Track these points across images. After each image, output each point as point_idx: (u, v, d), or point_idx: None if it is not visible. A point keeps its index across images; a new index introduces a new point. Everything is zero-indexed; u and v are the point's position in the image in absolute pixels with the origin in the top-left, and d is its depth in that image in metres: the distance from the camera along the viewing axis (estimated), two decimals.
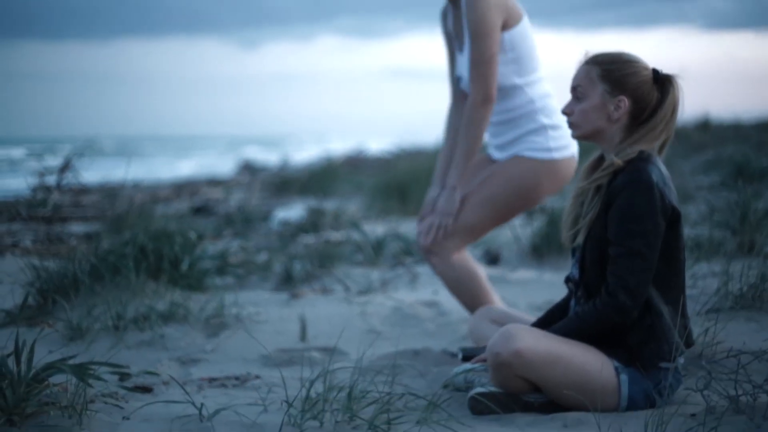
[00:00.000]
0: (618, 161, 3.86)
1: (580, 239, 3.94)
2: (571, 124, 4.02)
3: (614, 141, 3.95)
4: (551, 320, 4.11)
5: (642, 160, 3.85)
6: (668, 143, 4.00)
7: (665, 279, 3.84)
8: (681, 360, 3.90)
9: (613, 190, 3.83)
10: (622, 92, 3.90)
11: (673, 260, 3.84)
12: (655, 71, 3.95)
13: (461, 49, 5.02)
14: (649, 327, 3.79)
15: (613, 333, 3.83)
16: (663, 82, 3.94)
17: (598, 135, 3.97)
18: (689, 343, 3.96)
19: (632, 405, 3.82)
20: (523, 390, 3.89)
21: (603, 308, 3.81)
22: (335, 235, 10.13)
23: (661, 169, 3.87)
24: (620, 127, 3.94)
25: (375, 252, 8.69)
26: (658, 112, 3.91)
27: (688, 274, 5.77)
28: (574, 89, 3.99)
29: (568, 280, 4.13)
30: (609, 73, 3.91)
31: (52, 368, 3.80)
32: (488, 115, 4.86)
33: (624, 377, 3.81)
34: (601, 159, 4.02)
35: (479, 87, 4.80)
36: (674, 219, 3.82)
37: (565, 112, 4.02)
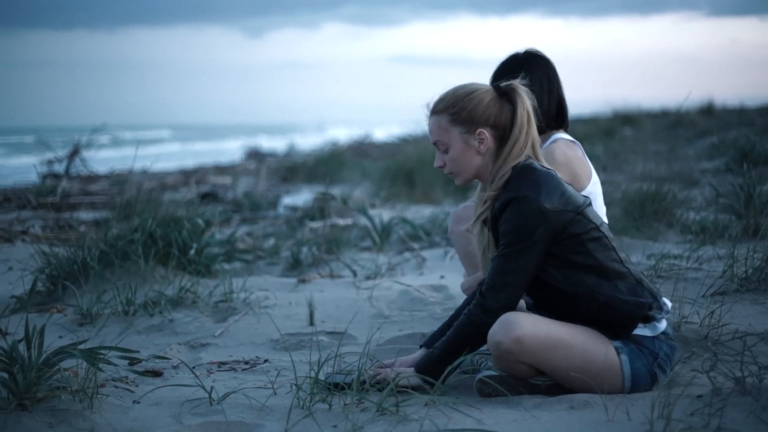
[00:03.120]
0: (490, 193, 3.90)
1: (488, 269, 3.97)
2: (451, 174, 4.04)
3: (488, 170, 3.96)
4: (446, 329, 4.15)
5: (516, 177, 3.87)
6: (537, 145, 3.97)
7: (589, 264, 3.84)
8: (664, 323, 3.89)
9: (495, 215, 3.87)
10: (477, 126, 3.92)
11: (587, 243, 3.84)
12: (495, 88, 3.96)
13: None
14: (604, 303, 3.82)
15: (588, 319, 3.88)
16: (508, 94, 3.94)
17: (480, 173, 3.98)
18: (655, 296, 3.96)
19: (636, 383, 3.84)
20: (528, 374, 3.91)
21: (473, 308, 3.87)
22: (342, 221, 10.16)
23: (537, 177, 3.85)
24: (491, 155, 3.95)
25: (382, 237, 8.71)
26: (514, 124, 3.91)
27: (693, 257, 5.82)
28: (435, 144, 4.02)
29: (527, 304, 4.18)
30: (456, 116, 3.93)
31: (62, 353, 3.82)
32: None
33: (624, 357, 3.83)
34: (482, 194, 4.02)
35: None
36: (566, 215, 3.80)
37: (438, 166, 4.04)
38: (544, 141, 4.76)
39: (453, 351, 3.89)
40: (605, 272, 3.84)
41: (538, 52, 4.85)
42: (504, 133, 3.92)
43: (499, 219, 3.84)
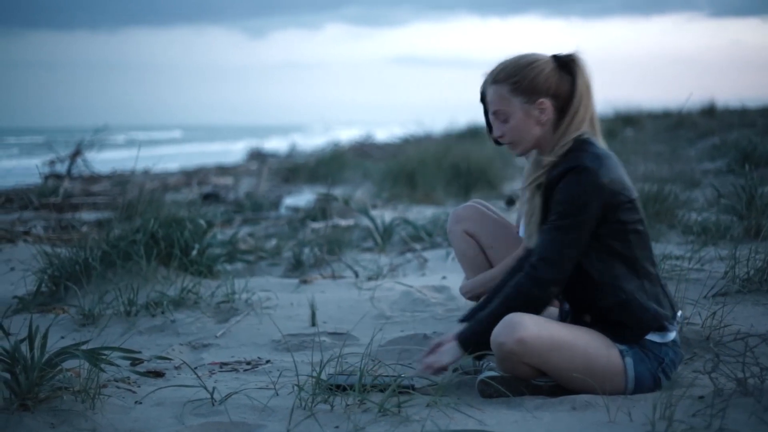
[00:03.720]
0: (549, 159, 3.88)
1: (534, 239, 3.96)
2: (510, 145, 4.02)
3: (548, 140, 3.95)
4: (488, 304, 4.11)
5: (576, 149, 3.86)
6: (596, 120, 3.97)
7: (626, 254, 3.84)
8: (674, 333, 3.90)
9: (551, 183, 3.86)
10: (538, 96, 3.90)
11: (630, 234, 3.84)
12: (555, 58, 3.95)
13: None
14: (622, 303, 3.81)
15: (596, 316, 3.88)
16: (567, 65, 3.93)
17: (540, 143, 3.97)
18: (675, 310, 3.95)
19: (639, 386, 3.84)
20: (531, 375, 3.91)
21: (523, 280, 3.85)
22: (344, 222, 10.16)
23: (597, 152, 3.85)
24: (551, 125, 3.95)
25: (384, 238, 8.71)
26: (574, 95, 3.91)
27: (695, 258, 5.82)
28: (495, 114, 4.00)
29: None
30: (517, 85, 3.91)
31: (64, 353, 3.83)
32: None
33: (629, 360, 3.82)
34: (540, 158, 4.02)
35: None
36: (618, 197, 3.80)
37: (497, 136, 4.02)
38: None
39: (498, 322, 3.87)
40: (637, 269, 3.84)
41: None
42: (564, 104, 3.91)
43: (555, 187, 3.82)
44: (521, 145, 3.99)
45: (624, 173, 3.88)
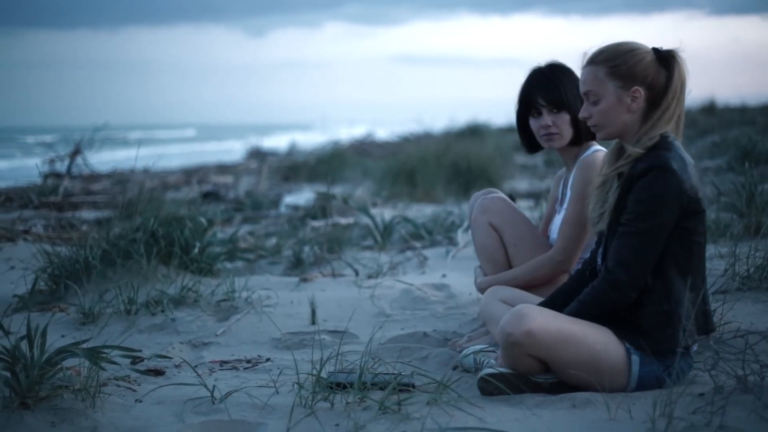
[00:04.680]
0: (637, 150, 3.85)
1: (602, 225, 3.95)
2: (594, 128, 4.00)
3: (634, 130, 3.93)
4: (554, 305, 4.10)
5: (663, 147, 3.83)
6: (682, 122, 3.96)
7: (684, 264, 3.83)
8: (695, 347, 3.92)
9: (633, 176, 3.82)
10: (633, 83, 3.88)
11: (693, 245, 3.83)
12: (656, 50, 3.93)
13: (558, 210, 4.91)
14: (665, 313, 3.80)
15: (628, 316, 3.86)
16: (667, 59, 3.92)
17: (625, 131, 3.94)
18: (710, 329, 3.96)
19: (641, 385, 3.84)
20: (533, 370, 3.90)
21: (600, 285, 3.84)
22: (344, 220, 10.15)
23: (682, 155, 3.83)
24: (640, 115, 3.93)
25: (383, 236, 8.71)
26: (668, 90, 3.89)
27: None
28: (586, 94, 3.97)
29: (589, 266, 4.14)
30: (616, 69, 3.89)
31: (65, 352, 3.83)
32: (555, 277, 4.76)
33: (635, 358, 3.81)
34: (622, 147, 4.00)
35: (563, 247, 4.72)
36: (693, 205, 3.80)
37: (584, 117, 4.00)
38: (582, 152, 4.75)
39: None
40: (689, 280, 3.82)
41: (562, 63, 4.82)
42: (656, 97, 3.90)
43: (636, 182, 3.80)
44: (607, 129, 3.96)
45: (700, 183, 3.87)
